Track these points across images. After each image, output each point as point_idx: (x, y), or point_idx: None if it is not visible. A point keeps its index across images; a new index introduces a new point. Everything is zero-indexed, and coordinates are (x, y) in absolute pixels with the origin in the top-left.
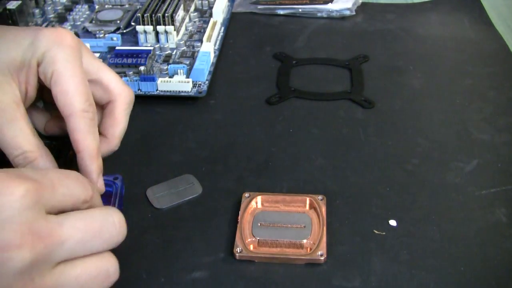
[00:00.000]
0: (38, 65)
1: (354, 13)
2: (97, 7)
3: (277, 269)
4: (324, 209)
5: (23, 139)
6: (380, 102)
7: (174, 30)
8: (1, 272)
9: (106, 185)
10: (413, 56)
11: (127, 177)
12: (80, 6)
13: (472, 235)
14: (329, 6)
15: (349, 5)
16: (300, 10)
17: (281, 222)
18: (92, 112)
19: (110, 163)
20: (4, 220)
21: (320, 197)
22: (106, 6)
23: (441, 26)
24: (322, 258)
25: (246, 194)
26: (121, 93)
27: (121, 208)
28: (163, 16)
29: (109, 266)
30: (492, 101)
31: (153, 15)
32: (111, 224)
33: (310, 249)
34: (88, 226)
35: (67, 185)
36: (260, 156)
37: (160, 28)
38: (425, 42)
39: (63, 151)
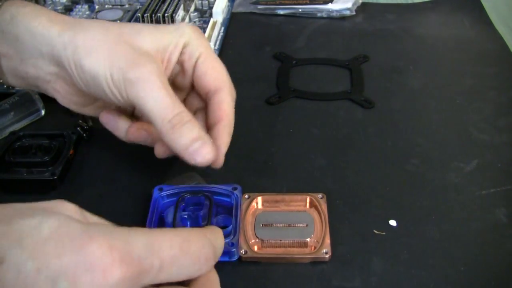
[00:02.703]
0: (184, 46)
1: (354, 13)
2: (97, 7)
3: (277, 269)
4: (325, 207)
5: (178, 101)
6: (380, 102)
7: None
8: None
9: (225, 195)
10: (413, 56)
11: (129, 177)
12: (80, 6)
13: (472, 235)
14: (329, 6)
15: (349, 5)
16: (300, 10)
17: (283, 222)
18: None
19: (111, 164)
20: None
21: (320, 195)
22: (106, 6)
23: (441, 26)
24: (327, 255)
25: (246, 196)
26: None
27: (238, 220)
28: (163, 16)
29: None
30: (492, 101)
31: (153, 15)
32: None
33: (315, 247)
34: None
35: (181, 265)
36: (260, 156)
37: None
38: (425, 42)
39: (63, 151)
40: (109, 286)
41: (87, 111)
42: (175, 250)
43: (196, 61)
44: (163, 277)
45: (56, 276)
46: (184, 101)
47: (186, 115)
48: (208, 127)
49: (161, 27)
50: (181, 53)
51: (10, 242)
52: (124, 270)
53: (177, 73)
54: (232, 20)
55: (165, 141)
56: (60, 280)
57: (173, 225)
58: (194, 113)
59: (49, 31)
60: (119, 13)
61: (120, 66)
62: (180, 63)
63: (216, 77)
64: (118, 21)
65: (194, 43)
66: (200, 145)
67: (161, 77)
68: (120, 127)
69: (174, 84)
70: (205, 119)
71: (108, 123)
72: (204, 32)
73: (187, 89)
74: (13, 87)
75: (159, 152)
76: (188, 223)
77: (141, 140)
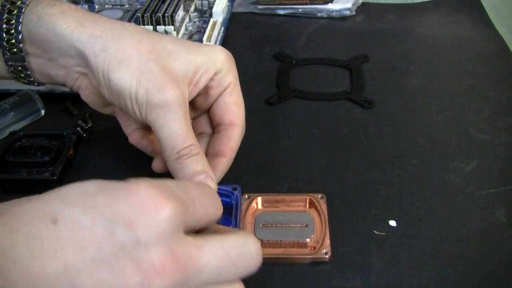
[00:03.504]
0: (215, 73)
1: (354, 13)
2: (97, 7)
3: (277, 269)
4: (324, 207)
5: (192, 133)
6: (380, 102)
7: (174, 30)
8: None
9: (225, 195)
10: (413, 56)
11: (129, 178)
12: (80, 6)
13: (472, 235)
14: (329, 6)
15: (349, 5)
16: (300, 10)
17: (283, 222)
18: None
19: (111, 164)
20: (150, 242)
21: (320, 195)
22: (106, 6)
23: (441, 26)
24: (327, 256)
25: (246, 196)
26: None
27: (237, 220)
28: (163, 16)
29: None
30: (492, 101)
31: (153, 15)
32: (248, 253)
33: (314, 248)
34: (226, 253)
35: (204, 204)
36: (260, 156)
37: (160, 28)
38: (425, 42)
39: (63, 151)
40: (164, 220)
41: (106, 111)
42: (197, 190)
43: (223, 91)
44: (197, 217)
45: (112, 223)
46: (194, 120)
47: (196, 148)
48: (208, 154)
49: (195, 48)
50: (211, 79)
51: (58, 204)
52: (172, 203)
53: (200, 94)
54: (232, 20)
55: (169, 168)
56: (117, 226)
57: None
58: (199, 135)
59: (78, 35)
60: (119, 13)
61: (146, 87)
62: (207, 87)
63: (235, 113)
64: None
65: (226, 72)
66: (203, 180)
67: (182, 106)
68: (129, 126)
69: (192, 103)
70: (208, 144)
71: (120, 118)
72: (204, 32)
73: (202, 111)
74: (39, 84)
75: (157, 167)
76: None
77: (141, 147)
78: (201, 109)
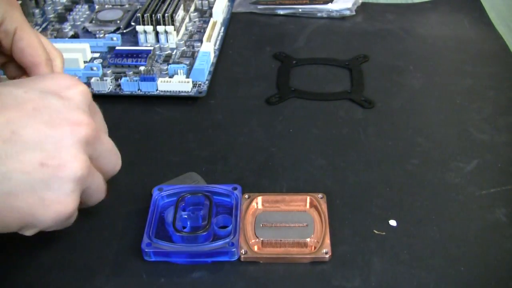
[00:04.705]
0: (0, 24)
1: (354, 13)
2: (97, 7)
3: (277, 269)
4: (325, 207)
5: None
6: (380, 102)
7: (174, 30)
8: (70, 140)
9: (225, 195)
10: (413, 56)
11: (126, 178)
12: (80, 6)
13: (472, 235)
14: (329, 6)
15: (349, 5)
16: (300, 10)
17: (283, 222)
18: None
19: None
20: (75, 107)
21: (320, 195)
22: (106, 6)
23: (441, 26)
24: (327, 255)
25: (246, 195)
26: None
27: (237, 220)
28: (163, 16)
29: None
30: (492, 101)
31: (153, 15)
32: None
33: (315, 247)
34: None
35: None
36: (260, 156)
37: (160, 28)
38: (425, 42)
39: None
40: (81, 94)
41: None
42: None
43: (13, 38)
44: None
45: (43, 93)
46: (4, 66)
47: None
48: None
49: None
50: None
51: None
52: (83, 84)
53: None
54: (232, 20)
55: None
56: (48, 95)
57: (173, 225)
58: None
59: None
60: (119, 13)
61: None
62: None
63: (32, 54)
64: (118, 21)
65: (9, 19)
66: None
67: None
68: None
69: None
70: None
71: None
72: (204, 32)
73: (7, 58)
74: None
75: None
76: (188, 223)
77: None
78: (6, 56)
